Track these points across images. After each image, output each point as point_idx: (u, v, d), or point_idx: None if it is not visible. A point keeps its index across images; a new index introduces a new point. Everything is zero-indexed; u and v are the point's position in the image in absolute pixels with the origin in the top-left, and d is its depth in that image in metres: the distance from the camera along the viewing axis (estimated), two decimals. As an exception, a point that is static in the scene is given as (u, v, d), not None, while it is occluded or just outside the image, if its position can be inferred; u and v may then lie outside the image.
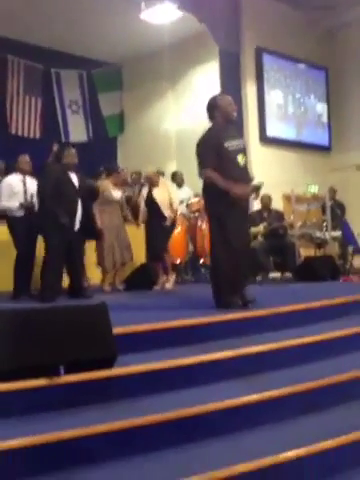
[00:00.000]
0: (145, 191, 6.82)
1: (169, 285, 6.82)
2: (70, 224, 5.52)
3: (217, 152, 4.11)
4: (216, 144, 4.12)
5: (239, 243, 4.16)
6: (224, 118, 4.27)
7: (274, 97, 10.66)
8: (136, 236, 6.95)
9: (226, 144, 4.11)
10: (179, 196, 7.67)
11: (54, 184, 5.52)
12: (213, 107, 4.31)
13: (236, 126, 4.29)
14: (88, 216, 5.89)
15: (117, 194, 6.69)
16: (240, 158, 4.14)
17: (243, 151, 4.20)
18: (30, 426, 2.62)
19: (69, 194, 5.57)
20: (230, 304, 4.18)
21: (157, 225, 6.58)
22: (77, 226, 5.66)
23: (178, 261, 7.51)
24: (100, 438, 2.65)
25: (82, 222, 5.69)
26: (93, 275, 6.98)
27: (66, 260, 5.64)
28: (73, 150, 5.83)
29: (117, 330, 3.20)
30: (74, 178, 5.70)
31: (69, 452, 2.57)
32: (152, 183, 6.76)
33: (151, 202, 6.64)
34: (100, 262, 6.65)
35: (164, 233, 6.69)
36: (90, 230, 5.93)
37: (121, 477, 2.53)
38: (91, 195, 6.00)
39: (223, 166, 4.08)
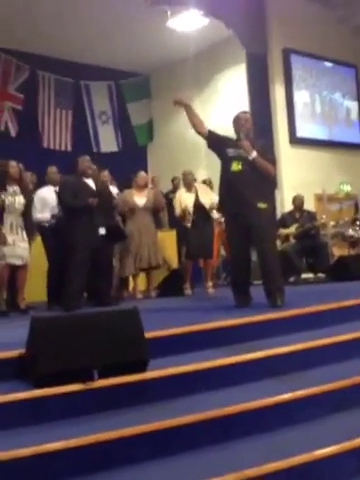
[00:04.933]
0: (188, 194, 6.86)
1: (212, 290, 6.88)
2: (92, 230, 5.59)
3: (220, 154, 4.87)
4: (221, 148, 4.86)
5: (233, 251, 4.97)
6: (236, 131, 4.88)
7: (302, 97, 10.60)
8: (167, 241, 7.02)
9: (227, 150, 4.79)
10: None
11: (72, 193, 5.63)
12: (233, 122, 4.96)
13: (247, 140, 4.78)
14: (112, 220, 5.95)
15: (141, 201, 6.72)
16: (236, 165, 4.73)
17: (242, 159, 4.71)
18: (68, 429, 2.69)
19: (86, 195, 5.63)
20: (236, 302, 4.78)
21: (205, 227, 6.78)
22: (101, 232, 5.71)
23: (210, 265, 7.53)
24: (136, 439, 2.69)
25: (107, 227, 5.76)
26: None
27: (92, 268, 5.65)
28: (87, 157, 5.93)
29: (149, 334, 3.26)
30: (91, 183, 5.80)
31: (107, 454, 2.63)
32: (186, 183, 6.89)
33: (199, 205, 6.77)
34: (121, 270, 6.64)
35: (210, 235, 6.87)
36: (115, 233, 5.97)
37: (158, 477, 2.57)
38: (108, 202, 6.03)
39: (222, 167, 4.87)
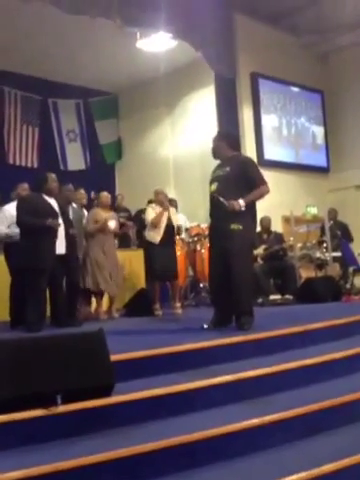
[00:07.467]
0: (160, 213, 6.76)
1: (180, 310, 6.84)
2: (50, 251, 5.41)
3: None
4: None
5: (210, 272, 4.91)
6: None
7: (270, 121, 10.73)
8: (134, 260, 6.94)
9: (211, 176, 4.86)
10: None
11: (30, 211, 5.43)
12: None
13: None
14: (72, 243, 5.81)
15: (112, 223, 6.64)
16: (212, 186, 4.74)
17: (218, 180, 4.71)
18: (28, 458, 2.58)
19: (46, 215, 5.44)
20: (211, 320, 4.70)
21: (170, 249, 6.72)
22: (62, 251, 5.56)
23: (178, 285, 7.48)
24: (100, 467, 2.60)
25: (67, 248, 5.64)
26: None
27: (51, 287, 5.47)
28: (53, 175, 5.76)
29: (115, 357, 3.17)
30: (53, 203, 5.62)
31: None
32: (159, 202, 6.80)
33: (168, 225, 6.72)
34: (98, 287, 6.46)
35: (175, 256, 6.84)
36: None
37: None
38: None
39: None
